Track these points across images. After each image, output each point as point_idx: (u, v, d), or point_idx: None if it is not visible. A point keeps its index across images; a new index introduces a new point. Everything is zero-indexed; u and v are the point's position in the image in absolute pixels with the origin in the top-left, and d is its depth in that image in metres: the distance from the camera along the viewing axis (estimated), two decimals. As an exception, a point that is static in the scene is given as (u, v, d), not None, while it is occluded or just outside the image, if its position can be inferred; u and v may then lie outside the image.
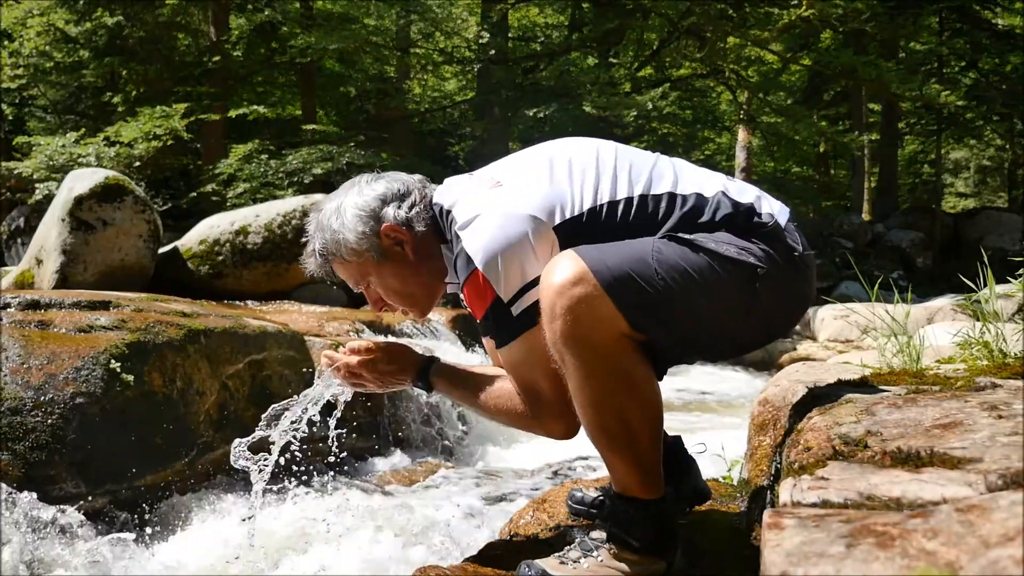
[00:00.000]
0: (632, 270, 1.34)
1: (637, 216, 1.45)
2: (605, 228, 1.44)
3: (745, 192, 1.50)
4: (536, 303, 1.41)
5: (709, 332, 1.45)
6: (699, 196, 1.46)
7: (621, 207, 1.46)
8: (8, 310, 3.14)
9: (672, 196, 1.46)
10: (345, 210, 1.62)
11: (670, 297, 1.35)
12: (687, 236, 1.39)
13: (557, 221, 1.45)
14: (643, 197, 1.47)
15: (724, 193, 1.47)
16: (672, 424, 1.66)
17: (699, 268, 1.36)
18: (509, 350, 1.49)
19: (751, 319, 1.44)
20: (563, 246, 1.43)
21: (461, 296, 1.57)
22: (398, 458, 4.04)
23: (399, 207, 1.60)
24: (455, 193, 1.60)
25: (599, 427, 1.42)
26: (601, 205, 1.46)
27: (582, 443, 1.54)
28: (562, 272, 1.34)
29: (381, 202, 1.61)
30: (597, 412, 1.40)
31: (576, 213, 1.46)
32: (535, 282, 1.42)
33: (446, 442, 4.17)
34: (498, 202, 1.49)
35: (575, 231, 1.45)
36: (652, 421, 1.43)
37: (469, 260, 1.47)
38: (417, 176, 1.71)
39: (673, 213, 1.44)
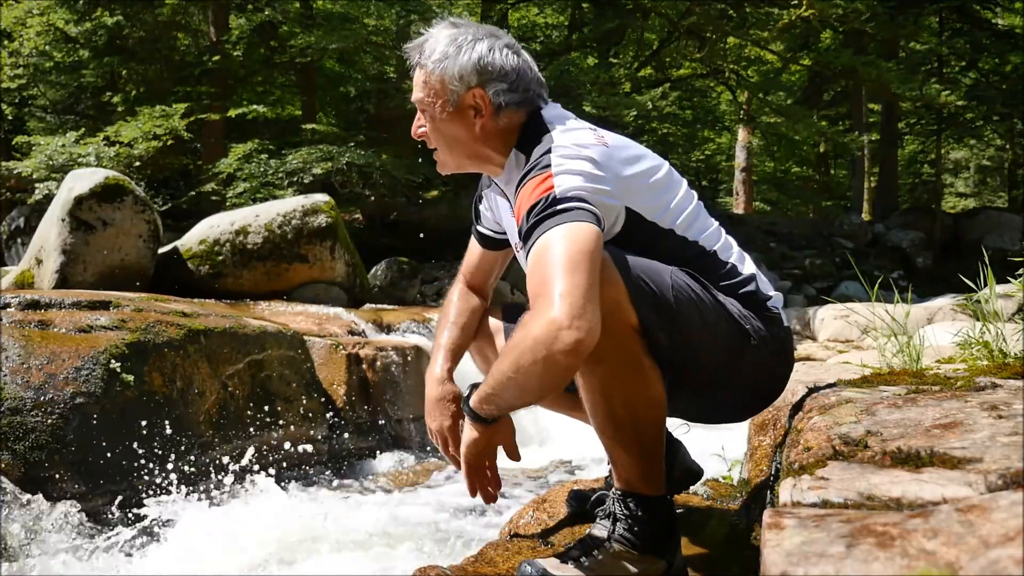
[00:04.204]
0: (650, 277, 1.42)
1: (684, 259, 1.51)
2: (656, 248, 1.49)
3: (768, 286, 1.63)
4: (581, 209, 1.35)
5: (701, 355, 1.49)
6: (734, 267, 1.59)
7: (679, 243, 1.54)
8: (8, 310, 3.14)
9: (714, 256, 1.58)
10: (471, 49, 1.56)
11: (678, 309, 1.43)
12: (703, 279, 1.50)
13: (631, 205, 1.48)
14: (701, 248, 1.56)
15: (755, 276, 1.60)
16: (672, 423, 1.67)
17: (704, 304, 1.47)
18: (544, 237, 1.34)
19: (733, 375, 1.53)
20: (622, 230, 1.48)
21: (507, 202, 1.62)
22: (398, 458, 4.03)
23: (505, 91, 1.56)
24: (569, 118, 1.59)
25: (607, 415, 1.44)
26: (667, 230, 1.53)
27: (583, 443, 1.55)
28: None
29: (499, 73, 1.56)
30: (605, 399, 1.43)
31: (650, 219, 1.51)
32: (588, 198, 1.37)
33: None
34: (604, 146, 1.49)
35: (630, 227, 1.48)
36: (657, 414, 1.47)
37: (548, 152, 1.45)
38: (543, 86, 1.64)
39: (706, 270, 1.53)
